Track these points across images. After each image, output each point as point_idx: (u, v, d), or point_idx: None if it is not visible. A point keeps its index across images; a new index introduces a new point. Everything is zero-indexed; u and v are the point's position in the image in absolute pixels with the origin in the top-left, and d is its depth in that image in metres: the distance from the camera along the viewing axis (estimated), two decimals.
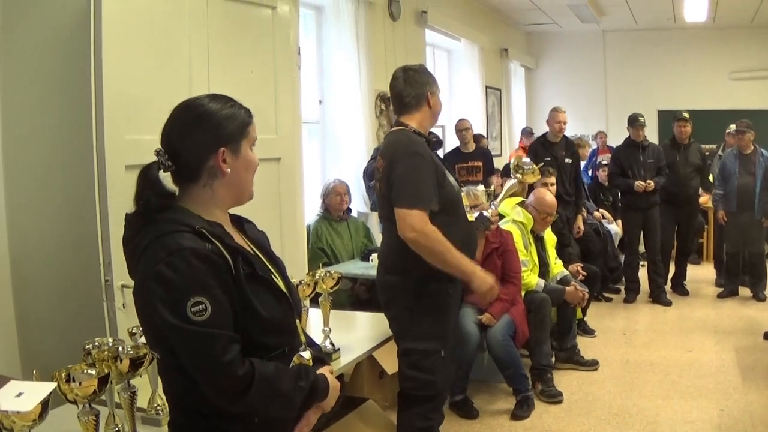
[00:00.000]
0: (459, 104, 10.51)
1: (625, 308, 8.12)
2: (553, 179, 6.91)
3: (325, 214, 6.42)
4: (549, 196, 6.01)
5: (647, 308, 8.03)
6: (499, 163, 10.02)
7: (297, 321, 2.13)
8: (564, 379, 5.68)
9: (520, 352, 5.31)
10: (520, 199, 6.04)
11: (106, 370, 2.22)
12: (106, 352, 2.38)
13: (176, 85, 3.83)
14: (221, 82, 4.04)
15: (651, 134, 9.14)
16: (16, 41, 3.71)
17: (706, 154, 9.58)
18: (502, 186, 7.54)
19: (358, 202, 7.33)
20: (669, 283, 8.57)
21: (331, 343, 3.40)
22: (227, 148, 2.00)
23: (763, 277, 8.30)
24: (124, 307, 3.52)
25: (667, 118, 8.63)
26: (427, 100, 3.66)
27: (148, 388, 2.72)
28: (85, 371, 2.18)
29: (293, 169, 4.81)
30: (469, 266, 3.54)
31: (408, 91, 3.65)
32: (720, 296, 8.47)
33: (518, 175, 4.70)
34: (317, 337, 3.17)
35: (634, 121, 8.12)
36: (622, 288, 8.59)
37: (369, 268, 5.76)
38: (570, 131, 12.48)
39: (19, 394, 1.99)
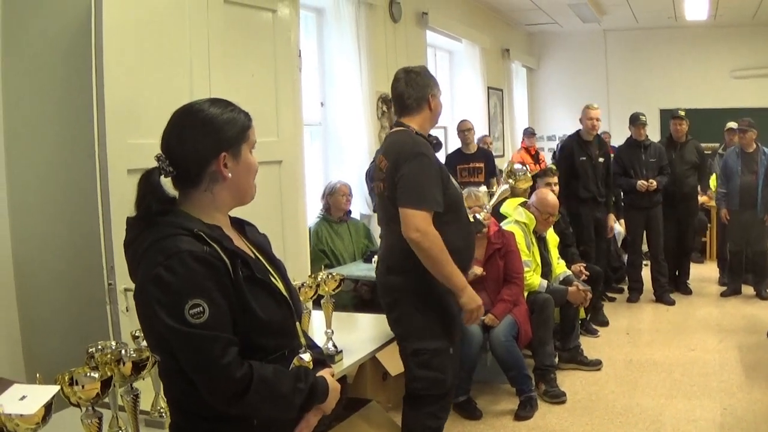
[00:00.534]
0: (461, 105, 10.51)
1: (628, 308, 8.10)
2: (555, 179, 6.91)
3: (325, 216, 6.43)
4: (551, 196, 6.01)
5: (650, 307, 8.02)
6: (500, 164, 10.01)
7: (297, 323, 2.13)
8: (567, 380, 5.68)
9: (523, 352, 5.31)
10: (523, 199, 6.04)
11: (109, 373, 2.23)
12: (109, 356, 2.39)
13: (177, 88, 3.84)
14: (222, 85, 4.05)
15: (653, 133, 9.13)
16: (18, 46, 3.73)
17: (708, 152, 9.60)
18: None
19: (360, 204, 7.34)
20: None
21: (334, 345, 3.41)
22: (228, 153, 2.01)
23: (766, 276, 8.28)
24: (127, 311, 3.53)
25: (669, 117, 8.61)
26: (428, 102, 3.68)
27: (151, 391, 2.73)
28: (88, 374, 2.19)
29: (295, 171, 4.82)
30: (461, 281, 3.56)
31: (409, 92, 3.66)
32: (723, 295, 8.46)
33: (510, 181, 4.73)
34: (320, 340, 3.18)
35: (636, 120, 8.11)
36: (625, 287, 8.58)
37: (371, 269, 5.74)
38: (571, 131, 12.53)
39: (23, 398, 2.00)
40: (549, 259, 6.01)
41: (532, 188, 6.38)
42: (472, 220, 3.93)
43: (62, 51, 3.69)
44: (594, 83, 13.70)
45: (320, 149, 7.39)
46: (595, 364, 6.00)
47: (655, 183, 7.76)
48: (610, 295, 8.36)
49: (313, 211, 6.30)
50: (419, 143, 3.54)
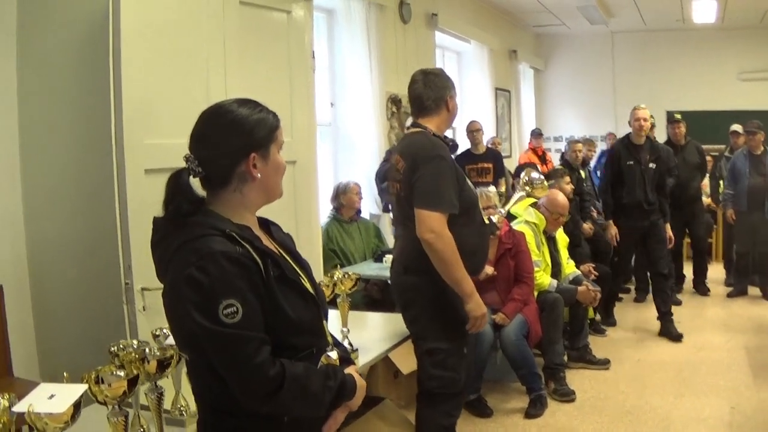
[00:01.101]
0: (469, 106, 10.51)
1: (635, 307, 8.14)
2: (567, 178, 6.92)
3: (336, 216, 6.46)
4: (561, 197, 6.04)
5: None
6: (508, 165, 10.04)
7: (324, 322, 2.15)
8: (576, 378, 5.71)
9: (532, 351, 5.34)
10: (533, 200, 6.07)
11: (135, 372, 2.25)
12: (133, 354, 2.41)
13: (193, 89, 3.88)
14: (238, 85, 4.07)
15: (660, 135, 9.13)
16: (34, 46, 3.77)
17: (715, 154, 9.62)
18: (513, 187, 7.58)
19: (370, 204, 7.37)
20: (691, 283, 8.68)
21: (350, 344, 3.43)
22: (257, 154, 2.02)
23: None
24: (144, 310, 3.55)
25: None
26: (446, 104, 3.71)
27: (172, 389, 2.76)
28: (114, 372, 2.22)
29: (308, 171, 4.84)
30: (470, 286, 3.59)
31: (428, 94, 3.68)
32: (729, 295, 8.50)
33: (527, 188, 4.77)
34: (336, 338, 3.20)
35: None
36: (632, 288, 8.61)
37: (383, 269, 5.81)
38: (579, 132, 12.54)
39: (51, 396, 2.02)
40: (558, 259, 6.04)
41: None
42: (486, 222, 3.96)
43: (77, 52, 3.73)
44: (601, 85, 13.73)
45: (330, 149, 7.41)
46: (604, 363, 6.03)
47: None
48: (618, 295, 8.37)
49: (323, 211, 6.32)
50: (437, 145, 3.57)
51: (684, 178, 8.13)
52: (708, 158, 9.02)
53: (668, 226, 7.11)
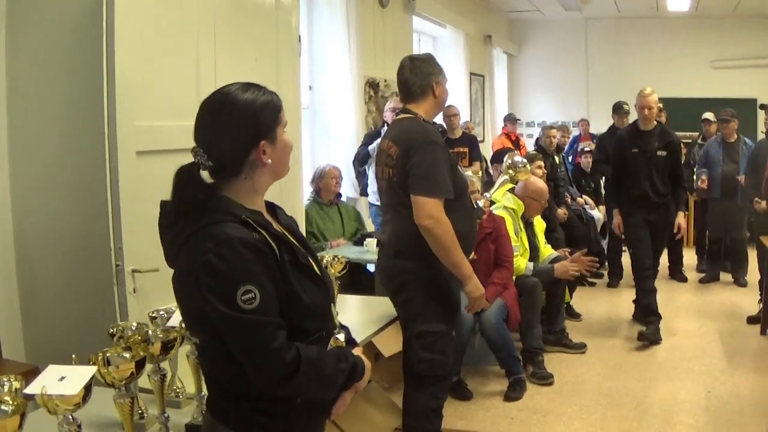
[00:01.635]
0: None
1: (608, 292, 8.26)
2: (540, 162, 6.93)
3: (316, 199, 6.47)
4: (540, 183, 6.10)
5: (630, 292, 8.00)
6: (482, 150, 10.08)
7: (332, 305, 2.17)
8: (554, 362, 5.79)
9: (511, 335, 5.39)
10: (511, 185, 6.12)
11: (141, 354, 2.27)
12: (137, 336, 2.43)
13: (184, 71, 3.88)
14: (227, 68, 4.07)
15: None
16: (26, 27, 3.72)
17: (688, 141, 9.72)
18: (488, 171, 7.63)
19: (348, 188, 7.38)
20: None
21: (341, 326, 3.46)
22: (266, 140, 2.02)
23: (745, 263, 8.45)
24: (134, 292, 3.56)
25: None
26: (432, 90, 3.73)
27: (168, 372, 2.77)
28: (121, 354, 2.24)
29: (293, 155, 4.83)
30: (468, 268, 3.67)
31: (414, 80, 3.71)
32: (702, 281, 8.66)
33: (511, 172, 4.83)
34: None
35: (619, 109, 8.24)
36: (605, 273, 8.71)
37: (363, 252, 5.85)
38: (551, 118, 12.59)
39: (62, 378, 2.04)
40: (536, 243, 6.11)
41: None
42: (474, 207, 4.01)
43: (69, 34, 3.69)
44: (574, 71, 13.83)
45: (308, 133, 7.40)
46: (580, 347, 6.12)
47: None
48: (590, 280, 8.46)
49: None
50: (430, 131, 3.62)
51: None
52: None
53: (681, 215, 6.54)
